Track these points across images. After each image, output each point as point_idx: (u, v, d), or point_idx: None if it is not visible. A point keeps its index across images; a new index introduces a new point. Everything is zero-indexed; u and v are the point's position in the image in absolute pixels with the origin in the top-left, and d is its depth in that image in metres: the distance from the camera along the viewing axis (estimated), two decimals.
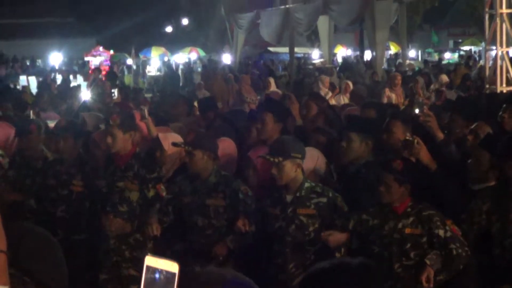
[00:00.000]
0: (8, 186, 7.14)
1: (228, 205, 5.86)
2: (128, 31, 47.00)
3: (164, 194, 6.11)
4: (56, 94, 16.34)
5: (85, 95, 13.70)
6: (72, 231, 6.55)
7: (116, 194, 6.21)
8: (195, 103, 10.08)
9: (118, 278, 6.22)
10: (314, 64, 30.88)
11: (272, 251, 5.57)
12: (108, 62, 36.03)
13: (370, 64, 23.22)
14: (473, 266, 5.17)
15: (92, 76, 23.45)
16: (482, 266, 5.25)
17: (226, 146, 6.61)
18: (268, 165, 5.62)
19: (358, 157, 5.97)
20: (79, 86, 19.62)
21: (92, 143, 6.99)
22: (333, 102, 12.64)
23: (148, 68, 35.97)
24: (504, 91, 14.04)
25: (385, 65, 26.28)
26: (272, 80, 16.50)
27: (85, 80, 22.55)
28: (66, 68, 34.36)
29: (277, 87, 16.48)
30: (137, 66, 33.91)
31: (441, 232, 4.96)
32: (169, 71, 31.60)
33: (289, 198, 5.53)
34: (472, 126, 6.26)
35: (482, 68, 17.18)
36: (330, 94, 14.13)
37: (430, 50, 47.98)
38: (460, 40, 49.87)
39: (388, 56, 36.52)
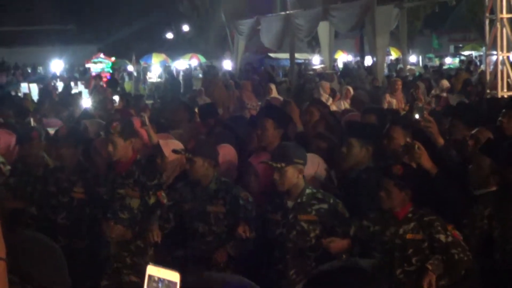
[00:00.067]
0: (9, 194, 7.15)
1: (228, 212, 5.87)
2: (129, 38, 47.08)
3: (165, 201, 6.11)
4: (57, 101, 16.35)
5: (86, 102, 13.71)
6: (73, 238, 6.55)
7: (117, 201, 6.22)
8: (196, 110, 10.08)
9: (119, 285, 6.22)
10: (314, 69, 30.92)
11: (273, 257, 5.57)
12: (109, 69, 36.09)
13: (370, 69, 23.23)
14: (475, 271, 5.17)
15: (93, 82, 23.49)
16: (484, 271, 5.25)
17: (227, 152, 6.61)
18: (269, 171, 5.63)
19: (358, 163, 5.97)
20: (80, 93, 19.64)
21: (93, 150, 7.00)
22: (334, 108, 12.64)
23: (149, 75, 36.04)
24: (505, 96, 14.05)
25: (385, 71, 26.29)
26: (273, 86, 16.49)
27: (86, 87, 22.58)
28: (67, 75, 34.43)
29: (278, 93, 16.48)
30: (138, 73, 33.94)
31: (442, 237, 4.97)
32: (170, 78, 31.64)
33: (290, 204, 5.54)
34: (473, 132, 6.27)
35: (483, 73, 17.18)
36: (330, 100, 14.13)
37: (430, 55, 48.02)
38: (460, 45, 49.90)
39: (388, 62, 36.54)
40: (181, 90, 26.78)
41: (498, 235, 5.21)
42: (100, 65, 36.90)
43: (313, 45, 38.52)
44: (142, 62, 40.08)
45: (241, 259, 5.80)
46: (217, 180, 5.99)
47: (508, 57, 14.87)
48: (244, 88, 16.39)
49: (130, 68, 35.77)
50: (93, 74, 31.29)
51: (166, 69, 37.03)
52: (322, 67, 29.20)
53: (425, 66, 38.18)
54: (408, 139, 5.71)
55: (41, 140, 7.44)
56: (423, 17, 43.14)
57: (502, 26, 14.68)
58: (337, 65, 36.13)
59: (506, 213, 5.17)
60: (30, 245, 2.38)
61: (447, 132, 6.89)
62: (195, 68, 39.38)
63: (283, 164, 5.44)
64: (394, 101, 13.36)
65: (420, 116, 6.14)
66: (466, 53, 45.57)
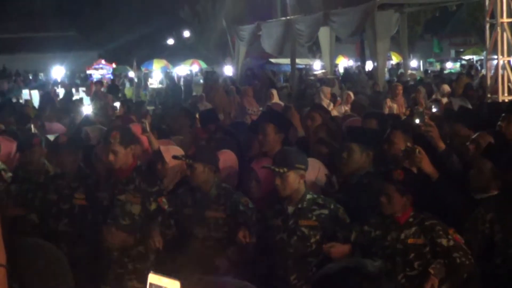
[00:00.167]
0: (10, 201, 7.15)
1: (228, 217, 5.87)
2: (129, 44, 47.17)
3: (166, 207, 6.11)
4: (58, 107, 16.36)
5: (87, 108, 13.72)
6: (74, 244, 6.55)
7: (118, 207, 6.22)
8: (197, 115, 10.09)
9: None
10: (315, 75, 30.93)
11: (274, 263, 5.57)
12: (110, 75, 36.14)
13: (371, 74, 23.25)
14: (477, 275, 5.16)
15: (93, 88, 23.49)
16: (486, 275, 5.25)
17: (227, 158, 6.62)
18: (271, 176, 5.63)
19: (359, 168, 5.98)
20: (81, 99, 19.66)
21: (94, 156, 7.00)
22: (335, 113, 12.64)
23: (150, 81, 36.07)
24: (506, 100, 14.04)
25: (386, 75, 26.29)
26: (274, 92, 16.51)
27: (88, 95, 22.60)
28: (69, 81, 34.46)
29: (279, 98, 16.49)
30: (139, 79, 33.97)
31: (444, 241, 4.97)
32: (171, 84, 31.65)
33: (290, 209, 5.53)
34: (474, 136, 6.27)
35: (484, 77, 17.18)
36: (331, 105, 14.14)
37: (431, 60, 48.08)
38: (461, 50, 49.97)
39: (389, 66, 36.56)
40: (182, 96, 26.79)
41: (499, 240, 5.20)
42: (101, 71, 36.99)
43: (314, 50, 38.61)
44: (143, 68, 40.14)
45: (241, 265, 5.80)
46: (218, 186, 6.00)
47: (508, 62, 14.87)
48: (245, 94, 16.41)
49: (131, 74, 35.82)
50: (94, 80, 31.30)
51: (167, 75, 37.06)
52: (323, 72, 29.22)
53: (425, 71, 38.22)
54: (408, 144, 5.71)
55: (42, 147, 7.44)
56: (423, 21, 43.24)
57: (503, 30, 14.69)
58: (338, 70, 36.14)
59: (508, 217, 5.16)
60: (34, 252, 2.38)
61: (449, 136, 6.89)
62: (196, 74, 39.41)
63: (285, 169, 5.44)
64: (395, 106, 13.37)
65: (420, 121, 6.14)
66: (467, 57, 45.61)
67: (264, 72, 29.28)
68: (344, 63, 42.67)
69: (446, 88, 17.29)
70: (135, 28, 48.94)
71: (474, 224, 5.28)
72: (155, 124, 9.72)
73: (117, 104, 15.26)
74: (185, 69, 41.85)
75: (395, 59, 40.77)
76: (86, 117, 12.05)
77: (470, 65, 36.88)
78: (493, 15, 15.01)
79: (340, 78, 25.88)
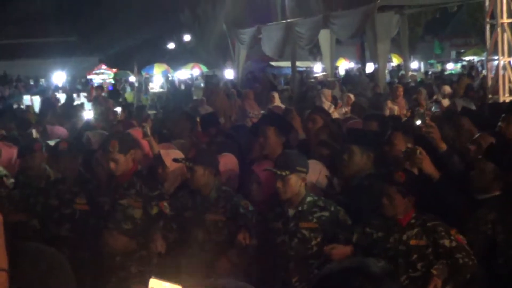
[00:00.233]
0: (12, 206, 7.15)
1: (228, 220, 5.88)
2: (130, 49, 47.15)
3: (167, 211, 6.12)
4: (60, 112, 16.38)
5: (88, 113, 13.74)
6: (76, 249, 6.55)
7: (120, 211, 6.22)
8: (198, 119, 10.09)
9: None
10: (316, 77, 30.90)
11: (275, 265, 5.57)
12: (111, 80, 36.16)
13: (372, 76, 23.23)
14: (480, 275, 5.16)
15: (94, 93, 23.50)
16: (488, 275, 5.24)
17: (228, 161, 6.62)
18: (272, 179, 5.63)
19: (360, 170, 5.98)
20: (82, 104, 19.67)
21: (95, 162, 7.00)
22: (336, 115, 12.64)
23: (151, 85, 36.05)
24: (507, 100, 14.03)
25: (387, 77, 26.28)
26: (276, 95, 16.50)
27: (89, 101, 22.61)
28: (70, 87, 34.47)
29: (280, 101, 16.49)
30: (140, 83, 33.97)
31: (446, 242, 4.96)
32: (172, 88, 31.65)
33: (291, 212, 5.54)
34: (475, 137, 6.27)
35: (485, 78, 17.17)
36: (332, 107, 14.14)
37: (432, 61, 48.06)
38: (462, 51, 49.93)
39: (390, 68, 36.54)
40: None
41: (502, 240, 5.20)
42: (102, 76, 37.00)
43: (315, 53, 38.58)
44: (144, 73, 40.14)
45: (243, 267, 5.80)
46: (218, 188, 6.01)
47: (509, 62, 14.85)
48: (247, 97, 16.42)
49: (132, 78, 35.82)
50: (95, 85, 31.30)
51: (168, 79, 37.07)
52: (323, 75, 29.18)
53: (425, 72, 38.21)
54: (409, 145, 5.71)
55: (43, 152, 7.45)
56: (424, 23, 43.21)
57: (503, 31, 14.68)
58: (338, 72, 36.12)
59: (510, 218, 5.16)
60: (36, 257, 2.38)
61: (454, 131, 6.90)
62: (197, 78, 39.42)
63: (287, 172, 5.45)
64: (395, 108, 13.36)
65: (421, 122, 6.14)
66: (468, 58, 45.59)
67: (265, 75, 29.26)
68: (345, 65, 42.64)
69: (447, 89, 17.30)
70: (135, 33, 48.95)
71: (476, 225, 5.28)
72: (156, 128, 9.74)
73: (118, 109, 15.27)
74: (186, 73, 41.85)
75: (395, 61, 40.74)
76: (87, 122, 12.07)
77: (471, 66, 36.85)
78: (493, 16, 15.00)
79: (340, 81, 25.86)
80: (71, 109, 16.06)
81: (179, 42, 54.61)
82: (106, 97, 22.38)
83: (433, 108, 10.89)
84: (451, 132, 7.11)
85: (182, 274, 5.63)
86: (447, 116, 8.42)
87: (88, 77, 38.74)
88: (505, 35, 14.68)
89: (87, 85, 35.76)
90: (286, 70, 35.20)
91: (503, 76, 14.78)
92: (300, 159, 5.63)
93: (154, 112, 19.92)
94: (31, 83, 40.76)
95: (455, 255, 4.92)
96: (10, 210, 7.05)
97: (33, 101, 23.58)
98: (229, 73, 31.52)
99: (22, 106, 22.11)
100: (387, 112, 12.80)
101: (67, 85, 35.61)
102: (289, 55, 23.69)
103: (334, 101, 15.08)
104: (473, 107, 10.10)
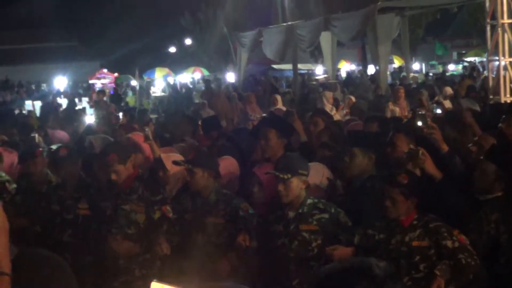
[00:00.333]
0: (15, 212, 7.14)
1: (228, 223, 5.88)
2: (131, 53, 47.25)
3: (170, 215, 6.13)
4: (61, 117, 16.38)
5: (90, 118, 13.75)
6: (79, 254, 6.55)
7: (123, 216, 6.23)
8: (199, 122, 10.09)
9: None
10: (317, 80, 30.92)
11: (276, 268, 5.57)
12: (113, 85, 36.16)
13: (373, 78, 23.23)
14: (483, 275, 5.16)
15: (97, 97, 23.52)
16: (491, 275, 5.24)
17: (228, 164, 6.63)
18: (273, 181, 5.63)
19: (362, 172, 5.98)
20: (84, 109, 19.68)
21: (96, 166, 7.00)
22: (337, 117, 12.64)
23: (153, 89, 36.08)
24: (508, 101, 14.01)
25: (389, 79, 26.26)
26: (278, 97, 16.49)
27: (91, 107, 22.63)
28: (71, 91, 34.49)
29: (283, 104, 16.48)
30: (141, 87, 34.01)
31: (449, 243, 4.96)
32: (173, 92, 31.67)
33: (291, 214, 5.54)
34: (476, 138, 6.27)
35: (486, 79, 17.16)
36: (334, 110, 14.13)
37: (433, 62, 48.07)
38: (463, 52, 49.92)
39: (391, 70, 36.53)
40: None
41: (505, 240, 5.20)
42: (103, 80, 37.01)
43: (316, 55, 38.59)
44: (145, 77, 40.18)
45: (243, 270, 5.80)
46: (217, 191, 6.03)
47: (510, 63, 14.83)
48: (248, 100, 16.40)
49: (134, 83, 35.87)
50: (96, 89, 31.33)
51: (170, 83, 37.08)
52: (325, 77, 29.18)
53: (426, 73, 38.20)
54: (411, 146, 5.72)
55: (44, 157, 7.45)
56: (425, 24, 43.17)
57: (504, 31, 14.65)
58: (340, 74, 36.13)
59: None
60: (39, 262, 2.38)
61: (460, 131, 6.91)
62: (198, 82, 39.44)
63: (289, 175, 5.45)
64: (397, 109, 13.36)
65: (423, 123, 6.14)
66: (469, 59, 45.57)
67: (267, 77, 29.29)
68: (346, 67, 42.68)
69: (449, 90, 17.29)
70: (136, 37, 49.05)
71: (479, 225, 5.29)
72: (158, 132, 9.74)
73: (120, 114, 15.28)
74: (187, 77, 41.87)
75: (397, 63, 40.75)
76: (89, 126, 12.08)
77: (472, 67, 36.83)
78: (494, 16, 14.98)
79: (342, 83, 25.86)
80: (73, 114, 16.06)
81: (180, 46, 54.66)
82: (107, 102, 22.40)
83: (434, 110, 10.86)
84: (452, 133, 7.11)
85: (183, 277, 5.64)
86: (449, 117, 8.41)
87: (90, 81, 38.74)
88: (506, 36, 14.66)
89: (89, 90, 35.79)
90: (288, 72, 35.24)
91: (504, 76, 14.75)
92: (301, 162, 5.64)
93: (156, 116, 19.93)
94: (33, 88, 40.78)
95: (458, 256, 4.91)
96: (13, 215, 7.04)
97: (34, 106, 23.58)
98: (230, 76, 31.56)
99: (24, 111, 22.12)
100: (388, 114, 12.80)
101: (68, 90, 35.62)
102: (291, 57, 23.67)
103: (336, 103, 15.06)
104: (477, 108, 10.10)
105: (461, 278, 4.95)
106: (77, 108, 20.73)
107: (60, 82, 38.39)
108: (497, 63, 15.31)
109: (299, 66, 26.70)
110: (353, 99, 14.74)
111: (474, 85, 18.58)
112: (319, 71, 36.29)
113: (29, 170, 7.31)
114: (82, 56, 53.42)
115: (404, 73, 26.41)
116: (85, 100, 26.50)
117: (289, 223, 5.53)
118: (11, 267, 2.41)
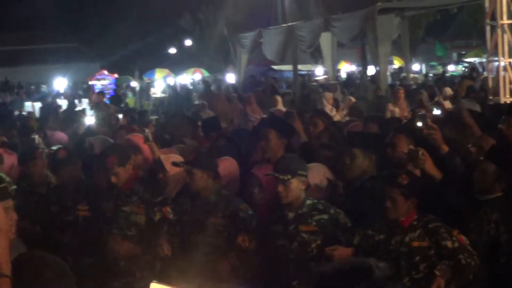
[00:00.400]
0: (15, 213, 7.13)
1: (227, 224, 5.88)
2: (131, 54, 47.21)
3: (171, 216, 6.13)
4: (61, 118, 16.40)
5: (90, 119, 13.75)
6: (79, 255, 6.54)
7: (123, 218, 6.23)
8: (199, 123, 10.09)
9: None
10: (317, 80, 30.92)
11: (276, 269, 5.57)
12: (113, 86, 36.11)
13: (373, 79, 23.22)
14: (483, 275, 5.16)
15: (97, 99, 23.51)
16: (491, 275, 5.25)
17: (228, 165, 6.63)
18: (273, 182, 5.63)
19: (362, 173, 5.98)
20: (83, 110, 19.68)
21: (96, 167, 7.00)
22: (337, 118, 12.64)
23: (153, 90, 36.07)
24: (508, 101, 14.01)
25: (389, 80, 26.26)
26: (279, 98, 16.50)
27: (91, 108, 22.63)
28: (71, 92, 34.47)
29: (283, 105, 16.48)
30: (141, 89, 34.00)
31: (448, 243, 4.97)
32: (173, 93, 31.66)
33: (291, 215, 5.54)
34: (476, 138, 6.27)
35: (486, 79, 17.16)
36: (334, 110, 14.14)
37: (433, 63, 48.04)
38: (463, 52, 49.89)
39: (391, 71, 36.51)
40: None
41: (505, 240, 5.21)
42: (103, 81, 36.97)
43: (316, 56, 38.54)
44: (145, 78, 40.16)
45: (243, 271, 5.80)
46: (217, 192, 6.03)
47: (510, 63, 14.82)
48: (249, 101, 16.40)
49: (134, 84, 35.85)
50: (96, 90, 31.29)
51: (170, 85, 37.06)
52: (325, 78, 29.18)
53: (426, 74, 38.19)
54: (411, 146, 5.72)
55: (43, 159, 7.45)
56: (425, 25, 43.14)
57: (503, 32, 14.65)
58: (340, 75, 36.11)
59: None
60: (39, 264, 2.39)
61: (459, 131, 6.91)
62: (198, 83, 39.43)
63: (289, 176, 5.46)
64: (397, 110, 13.37)
65: (423, 124, 6.14)
66: (469, 60, 45.55)
67: (267, 78, 29.29)
68: (346, 68, 42.65)
69: (449, 90, 17.29)
70: (136, 38, 49.00)
71: (479, 225, 5.29)
72: (158, 133, 9.74)
73: (120, 115, 15.28)
74: (187, 78, 41.84)
75: (397, 63, 40.72)
76: (89, 127, 12.08)
77: (472, 68, 36.81)
78: (493, 17, 14.98)
79: (342, 83, 25.86)
80: (73, 115, 16.07)
81: (180, 47, 54.62)
82: (106, 103, 22.40)
83: (434, 110, 10.87)
84: (452, 134, 7.11)
85: (183, 278, 5.63)
86: (449, 118, 8.41)
87: (90, 82, 38.69)
88: (505, 36, 14.66)
89: (89, 91, 35.77)
90: (288, 73, 35.23)
91: (504, 77, 14.75)
92: (300, 163, 5.64)
93: (156, 117, 19.93)
94: (33, 89, 40.75)
95: (458, 256, 4.92)
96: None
97: (34, 107, 23.61)
98: (230, 77, 31.54)
99: (23, 113, 22.13)
100: (388, 115, 12.80)
101: (68, 91, 35.59)
102: (291, 58, 23.69)
103: (336, 104, 15.07)
104: (477, 108, 10.11)
105: (461, 278, 4.96)
106: (77, 109, 20.74)
107: (60, 83, 38.35)
108: (496, 63, 15.31)
109: (299, 67, 26.71)
110: (353, 99, 14.74)
111: (474, 85, 18.57)
112: (319, 72, 36.26)
113: (29, 171, 7.31)
114: (82, 57, 53.34)
115: (404, 74, 26.40)
116: (85, 101, 26.49)
117: (289, 224, 5.53)
118: (12, 269, 2.40)
